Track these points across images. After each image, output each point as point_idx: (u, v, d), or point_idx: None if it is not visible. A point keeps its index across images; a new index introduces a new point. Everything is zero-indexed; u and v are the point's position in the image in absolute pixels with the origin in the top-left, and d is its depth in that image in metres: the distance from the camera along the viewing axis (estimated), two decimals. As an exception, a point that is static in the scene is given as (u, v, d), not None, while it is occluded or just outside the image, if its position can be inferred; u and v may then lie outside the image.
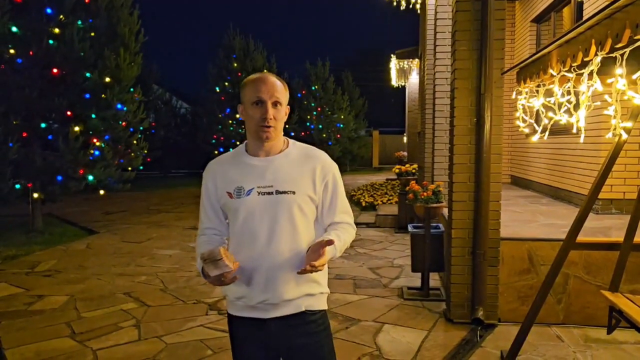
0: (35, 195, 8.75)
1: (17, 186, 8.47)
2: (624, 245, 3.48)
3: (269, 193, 1.87)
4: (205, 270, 1.75)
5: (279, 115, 1.89)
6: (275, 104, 1.87)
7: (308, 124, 26.54)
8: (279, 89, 1.88)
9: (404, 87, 19.85)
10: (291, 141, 2.01)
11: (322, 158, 2.00)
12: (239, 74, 21.18)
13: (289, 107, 1.97)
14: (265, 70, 22.14)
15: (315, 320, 1.96)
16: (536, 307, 3.50)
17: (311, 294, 1.95)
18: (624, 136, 2.84)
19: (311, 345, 1.95)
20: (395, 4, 9.70)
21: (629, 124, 2.78)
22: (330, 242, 1.77)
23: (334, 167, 2.01)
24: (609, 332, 3.42)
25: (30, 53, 8.36)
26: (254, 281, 1.88)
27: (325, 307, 2.03)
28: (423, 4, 9.81)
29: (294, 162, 1.94)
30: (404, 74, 18.49)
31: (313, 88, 26.82)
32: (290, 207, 1.87)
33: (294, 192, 1.88)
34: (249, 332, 1.97)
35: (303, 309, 1.93)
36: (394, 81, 19.37)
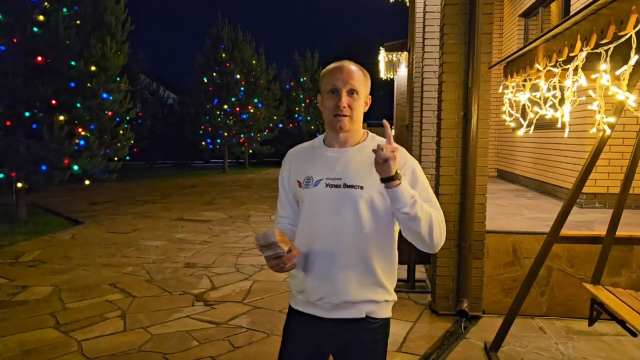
0: (19, 184, 8.65)
1: (1, 175, 8.37)
2: (606, 238, 3.53)
3: (336, 186, 1.79)
4: (260, 250, 1.70)
5: (355, 104, 1.78)
6: (351, 92, 1.77)
7: (296, 115, 26.52)
8: (357, 77, 1.79)
9: (392, 80, 19.87)
10: (371, 135, 1.90)
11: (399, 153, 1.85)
12: (227, 64, 21.05)
13: (370, 97, 1.87)
14: (254, 61, 22.03)
15: (374, 329, 1.85)
16: (520, 299, 3.55)
17: (375, 300, 1.83)
18: (608, 131, 2.88)
19: (365, 353, 1.87)
20: (384, -4, 9.68)
21: (612, 120, 2.82)
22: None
23: (411, 161, 1.84)
24: (590, 324, 3.47)
25: (14, 40, 8.23)
26: (313, 275, 1.81)
27: (389, 316, 1.91)
28: (412, -3, 9.81)
29: (368, 155, 1.77)
30: (392, 67, 18.50)
31: (302, 80, 26.77)
32: (356, 202, 1.76)
33: (362, 187, 1.76)
34: (304, 328, 1.91)
35: (364, 315, 1.82)
36: (383, 74, 19.38)
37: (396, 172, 1.60)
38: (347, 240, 1.77)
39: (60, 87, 8.77)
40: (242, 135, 21.82)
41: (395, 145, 1.61)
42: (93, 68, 9.03)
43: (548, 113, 3.16)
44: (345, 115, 1.78)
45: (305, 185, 1.85)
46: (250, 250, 7.09)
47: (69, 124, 8.73)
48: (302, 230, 1.88)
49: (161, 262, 6.45)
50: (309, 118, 26.43)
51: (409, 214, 1.65)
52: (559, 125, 2.91)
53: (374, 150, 1.60)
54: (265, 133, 23.25)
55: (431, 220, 1.70)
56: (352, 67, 1.81)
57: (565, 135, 3.12)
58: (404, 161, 1.81)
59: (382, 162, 1.58)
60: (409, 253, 5.06)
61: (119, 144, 10.17)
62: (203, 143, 21.60)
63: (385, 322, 1.90)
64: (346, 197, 1.78)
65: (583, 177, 3.26)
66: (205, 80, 21.20)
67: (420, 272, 5.70)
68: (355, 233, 1.78)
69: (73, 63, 8.80)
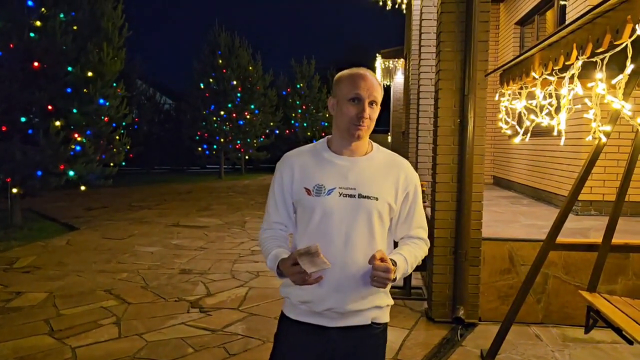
0: (15, 190, 8.61)
1: (-4, 181, 8.33)
2: (602, 246, 3.54)
3: (351, 196, 1.78)
4: (296, 267, 1.65)
5: (374, 115, 1.81)
6: (372, 103, 1.79)
7: (293, 121, 26.55)
8: (377, 88, 1.80)
9: (389, 87, 19.94)
10: (375, 144, 1.93)
11: (407, 167, 1.91)
12: (224, 70, 21.08)
13: (380, 107, 1.88)
14: (251, 67, 22.08)
15: (377, 334, 1.88)
16: (516, 306, 3.55)
17: (379, 306, 1.86)
18: (604, 139, 2.88)
19: (369, 358, 1.89)
20: (381, 3, 9.72)
21: (608, 128, 2.82)
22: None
23: (416, 178, 1.92)
24: (586, 332, 3.47)
25: (11, 46, 8.22)
26: (323, 284, 1.76)
27: (388, 320, 1.95)
28: (409, 5, 9.85)
29: (378, 167, 1.86)
30: (389, 74, 18.57)
31: (298, 86, 26.83)
32: (371, 213, 1.78)
33: (376, 199, 1.79)
34: (305, 339, 1.86)
35: (370, 321, 1.85)
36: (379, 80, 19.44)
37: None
38: (360, 251, 1.76)
39: (56, 92, 8.74)
40: (238, 141, 21.82)
41: (385, 259, 1.69)
42: (90, 73, 9.01)
43: (544, 121, 3.17)
44: (365, 126, 1.78)
45: (315, 194, 1.80)
46: (246, 256, 7.08)
47: (65, 130, 8.70)
48: (310, 240, 1.78)
49: (157, 268, 6.43)
50: (305, 124, 26.46)
51: (407, 274, 1.90)
52: (555, 133, 2.91)
53: (374, 269, 1.66)
54: (262, 139, 23.26)
55: (418, 262, 1.91)
56: (373, 77, 1.82)
57: (561, 143, 3.13)
58: (410, 179, 1.90)
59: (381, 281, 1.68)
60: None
61: (115, 150, 10.15)
62: (199, 149, 21.58)
63: (386, 326, 1.93)
64: (361, 208, 1.77)
65: (579, 185, 3.27)
66: (202, 86, 21.22)
67: (416, 279, 5.70)
68: (367, 244, 1.77)
69: (70, 68, 8.79)
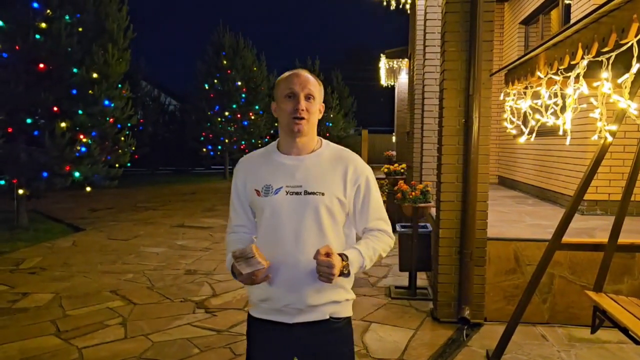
0: (20, 191, 8.66)
1: (2, 182, 8.38)
2: (608, 246, 3.53)
3: (297, 193, 1.82)
4: (237, 268, 1.71)
5: (312, 108, 1.84)
6: (308, 97, 1.83)
7: (297, 122, 26.53)
8: (312, 83, 1.85)
9: (393, 87, 19.91)
10: (325, 141, 1.96)
11: (355, 160, 1.93)
12: (229, 71, 21.11)
13: (323, 105, 1.92)
14: (255, 67, 22.16)
15: (339, 329, 1.92)
16: (522, 306, 3.54)
17: (337, 300, 1.89)
18: (609, 139, 2.88)
19: (333, 354, 1.92)
20: (385, 3, 9.71)
21: (614, 127, 2.82)
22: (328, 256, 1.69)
23: (367, 170, 1.93)
24: (592, 332, 3.46)
25: (16, 47, 8.26)
26: (278, 282, 1.82)
27: (350, 314, 1.98)
28: (413, 5, 9.84)
29: (326, 162, 1.88)
30: (393, 74, 18.54)
31: (302, 86, 26.79)
32: (318, 208, 1.81)
33: (322, 194, 1.82)
34: (272, 336, 1.91)
35: (328, 316, 1.88)
36: (383, 81, 19.42)
37: (341, 271, 1.73)
38: (311, 247, 1.78)
39: (62, 94, 8.79)
40: (243, 142, 21.85)
41: (331, 253, 1.69)
42: (95, 75, 9.05)
43: (549, 120, 3.17)
44: (303, 118, 1.82)
45: (264, 194, 1.85)
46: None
47: (70, 131, 8.74)
48: (263, 239, 1.88)
49: (162, 269, 6.44)
50: (309, 125, 26.46)
51: (364, 268, 1.89)
52: (560, 132, 2.91)
53: (318, 264, 1.68)
54: (266, 140, 23.28)
55: (379, 255, 1.93)
56: (308, 74, 1.88)
57: (567, 142, 3.13)
58: (360, 171, 1.91)
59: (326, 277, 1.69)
60: (410, 261, 5.05)
61: (120, 151, 10.19)
62: (204, 149, 21.63)
63: (348, 320, 1.97)
64: (307, 204, 1.81)
65: (584, 184, 3.26)
66: (207, 87, 21.26)
67: (421, 279, 5.69)
68: (317, 239, 1.81)
69: (75, 70, 8.83)
